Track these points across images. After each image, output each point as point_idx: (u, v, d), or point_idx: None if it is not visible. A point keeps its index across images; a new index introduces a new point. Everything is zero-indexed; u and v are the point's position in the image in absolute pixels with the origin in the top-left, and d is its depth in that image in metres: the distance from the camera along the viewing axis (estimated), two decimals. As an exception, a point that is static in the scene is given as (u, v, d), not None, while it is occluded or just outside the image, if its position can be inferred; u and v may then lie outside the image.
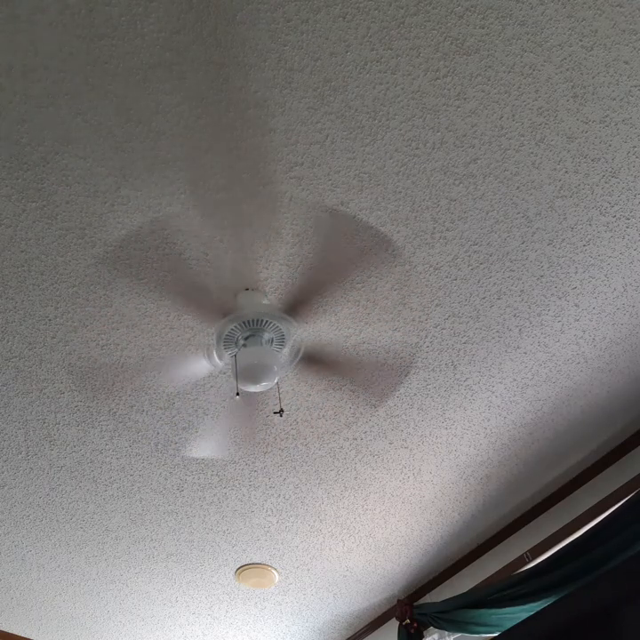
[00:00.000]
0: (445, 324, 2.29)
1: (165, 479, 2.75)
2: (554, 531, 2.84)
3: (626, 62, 1.73)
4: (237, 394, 2.03)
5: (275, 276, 2.12)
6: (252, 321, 2.10)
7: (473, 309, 2.26)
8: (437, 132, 1.83)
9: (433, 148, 1.87)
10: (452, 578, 3.25)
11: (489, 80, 1.75)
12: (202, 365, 2.26)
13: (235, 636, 3.64)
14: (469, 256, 2.12)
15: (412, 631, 3.08)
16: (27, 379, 2.34)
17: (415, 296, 2.20)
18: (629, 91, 1.78)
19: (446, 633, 3.05)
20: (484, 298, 2.23)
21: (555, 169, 1.93)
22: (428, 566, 3.26)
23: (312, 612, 3.51)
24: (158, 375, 2.35)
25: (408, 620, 3.10)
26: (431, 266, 2.13)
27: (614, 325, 2.34)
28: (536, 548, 2.89)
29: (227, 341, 2.14)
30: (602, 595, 2.25)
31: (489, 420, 2.61)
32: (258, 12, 1.60)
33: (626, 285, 2.23)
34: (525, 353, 2.39)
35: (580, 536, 2.50)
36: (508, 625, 2.61)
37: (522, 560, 2.92)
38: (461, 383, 2.48)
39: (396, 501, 2.92)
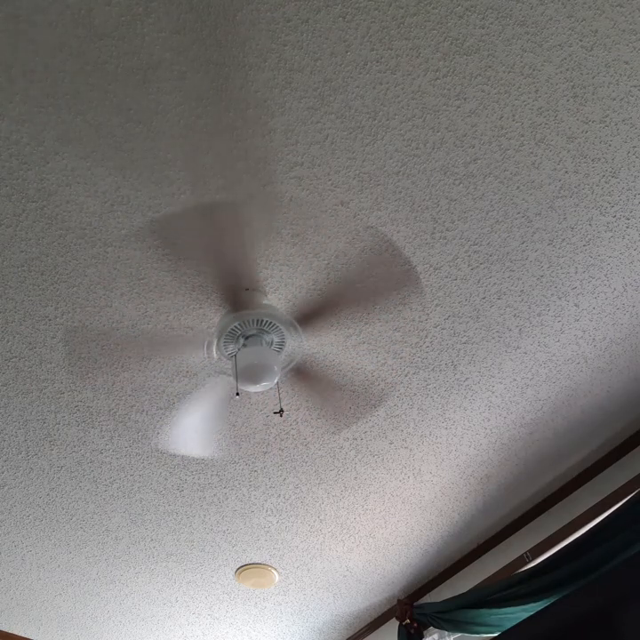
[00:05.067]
0: (445, 324, 2.29)
1: (165, 479, 2.75)
2: (554, 531, 2.84)
3: (626, 62, 1.73)
4: (237, 394, 2.03)
5: (275, 275, 2.12)
6: (253, 321, 2.10)
7: (473, 309, 2.26)
8: (437, 131, 1.83)
9: (433, 148, 1.87)
10: (452, 578, 3.25)
11: (489, 80, 1.75)
12: (198, 354, 2.26)
13: (235, 636, 3.64)
14: (469, 256, 2.12)
15: (412, 631, 3.08)
16: (27, 379, 2.34)
17: (415, 296, 2.20)
18: (629, 91, 1.78)
19: (446, 633, 3.04)
20: (484, 298, 2.23)
21: (555, 169, 1.93)
22: (427, 566, 3.26)
23: (312, 611, 3.51)
24: (154, 353, 2.31)
25: (408, 620, 3.09)
26: (431, 266, 2.13)
27: (614, 325, 2.34)
28: (536, 548, 2.89)
29: (227, 341, 2.15)
30: (602, 595, 2.25)
31: (489, 419, 2.61)
32: (258, 12, 1.60)
33: (626, 285, 2.23)
34: (525, 353, 2.39)
35: (580, 536, 2.49)
36: (508, 625, 2.61)
37: (522, 560, 2.92)
38: (461, 383, 2.48)
39: (396, 501, 2.92)
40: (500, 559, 3.05)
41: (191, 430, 2.56)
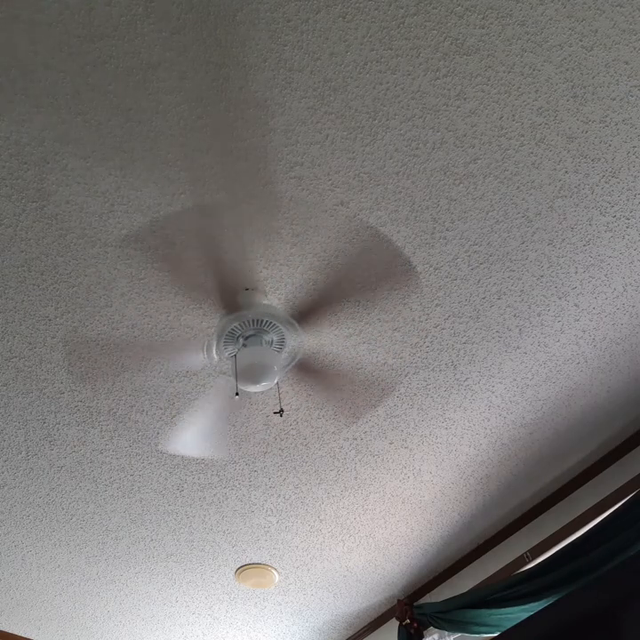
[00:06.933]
0: (445, 324, 2.29)
1: (165, 479, 2.75)
2: (554, 531, 2.84)
3: (626, 62, 1.73)
4: (237, 394, 2.03)
5: (275, 275, 2.12)
6: (254, 321, 2.10)
7: (473, 309, 2.26)
8: (437, 131, 1.83)
9: (433, 148, 1.87)
10: (452, 578, 3.25)
11: (489, 80, 1.75)
12: (198, 357, 2.26)
13: (235, 636, 3.64)
14: (469, 256, 2.12)
15: (412, 631, 3.07)
16: (27, 379, 2.34)
17: (415, 296, 2.20)
18: (629, 91, 1.78)
19: (446, 633, 3.04)
20: (484, 298, 2.23)
21: (555, 169, 1.93)
22: (427, 566, 3.26)
23: (312, 612, 3.51)
24: (154, 356, 2.32)
25: (408, 620, 3.09)
26: (431, 266, 2.13)
27: (614, 325, 2.34)
28: (536, 548, 2.89)
29: (227, 341, 2.15)
30: (602, 595, 2.25)
31: (489, 419, 2.61)
32: (258, 12, 1.60)
33: (626, 285, 2.23)
34: (525, 353, 2.39)
35: (580, 536, 2.50)
36: (508, 625, 2.61)
37: (522, 560, 2.92)
38: (461, 383, 2.48)
39: (395, 501, 2.92)
40: (500, 559, 3.05)
41: (199, 434, 2.56)
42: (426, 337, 2.32)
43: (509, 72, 1.74)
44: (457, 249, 2.09)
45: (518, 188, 1.96)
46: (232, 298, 2.15)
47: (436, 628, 3.01)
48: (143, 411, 2.47)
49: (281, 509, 2.92)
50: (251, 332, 2.12)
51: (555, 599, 2.45)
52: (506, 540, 3.07)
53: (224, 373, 2.33)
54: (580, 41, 1.69)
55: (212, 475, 2.75)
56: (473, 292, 2.21)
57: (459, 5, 1.62)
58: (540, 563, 2.64)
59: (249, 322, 2.11)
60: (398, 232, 2.04)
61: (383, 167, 1.90)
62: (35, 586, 3.25)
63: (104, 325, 2.21)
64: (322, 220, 1.99)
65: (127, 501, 2.84)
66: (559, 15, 1.64)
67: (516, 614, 2.60)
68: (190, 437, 2.58)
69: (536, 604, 2.53)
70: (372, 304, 2.21)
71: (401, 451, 2.70)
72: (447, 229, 2.04)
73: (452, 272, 2.15)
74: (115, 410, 2.46)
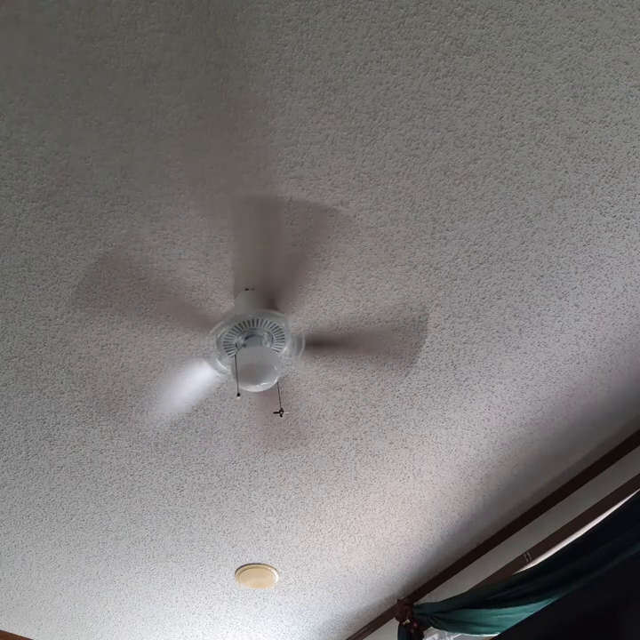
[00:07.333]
0: (445, 324, 2.29)
1: (165, 479, 2.75)
2: (554, 531, 2.84)
3: (626, 62, 1.73)
4: (238, 394, 2.03)
5: (275, 275, 2.12)
6: (251, 321, 2.10)
7: (473, 309, 2.26)
8: (437, 131, 1.83)
9: (433, 148, 1.87)
10: (452, 578, 3.25)
11: (489, 80, 1.75)
12: (208, 373, 2.27)
13: (235, 636, 3.64)
14: (469, 256, 2.12)
15: (412, 631, 3.08)
16: (27, 379, 2.34)
17: (415, 296, 2.20)
18: (629, 91, 1.78)
19: (446, 633, 3.04)
20: (484, 298, 2.23)
21: (555, 169, 1.93)
22: (427, 566, 3.26)
23: (312, 612, 3.50)
24: (169, 397, 2.36)
25: (408, 620, 3.09)
26: (431, 266, 2.13)
27: (614, 325, 2.34)
28: (536, 548, 2.89)
29: (226, 342, 2.15)
30: (602, 595, 2.25)
31: (489, 419, 2.61)
32: (258, 12, 1.60)
33: (626, 285, 2.23)
34: (525, 353, 2.39)
35: (580, 536, 2.50)
36: (508, 625, 2.61)
37: (522, 560, 2.92)
38: (461, 383, 2.48)
39: (395, 501, 2.92)
40: (500, 559, 3.05)
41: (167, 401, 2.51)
42: (426, 337, 2.32)
43: (509, 72, 1.74)
44: (457, 249, 2.09)
45: (518, 187, 1.96)
46: (231, 298, 2.15)
47: (436, 627, 3.01)
48: (143, 411, 2.47)
49: (281, 509, 2.92)
50: (249, 332, 2.12)
51: (555, 599, 2.45)
52: (506, 540, 3.07)
53: (223, 373, 2.33)
54: (580, 41, 1.69)
55: (212, 475, 2.75)
56: (473, 292, 2.21)
57: (459, 5, 1.62)
58: (539, 563, 2.64)
59: (247, 322, 2.11)
60: (398, 232, 2.04)
61: (383, 167, 1.90)
62: (35, 586, 3.25)
63: (104, 325, 2.21)
64: (322, 220, 1.99)
65: (127, 501, 2.84)
66: (559, 15, 1.64)
67: (516, 614, 2.60)
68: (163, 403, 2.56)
69: (536, 604, 2.53)
70: (372, 304, 2.21)
71: (401, 451, 2.70)
72: (447, 229, 2.04)
73: (451, 272, 2.15)
74: (115, 410, 2.46)
